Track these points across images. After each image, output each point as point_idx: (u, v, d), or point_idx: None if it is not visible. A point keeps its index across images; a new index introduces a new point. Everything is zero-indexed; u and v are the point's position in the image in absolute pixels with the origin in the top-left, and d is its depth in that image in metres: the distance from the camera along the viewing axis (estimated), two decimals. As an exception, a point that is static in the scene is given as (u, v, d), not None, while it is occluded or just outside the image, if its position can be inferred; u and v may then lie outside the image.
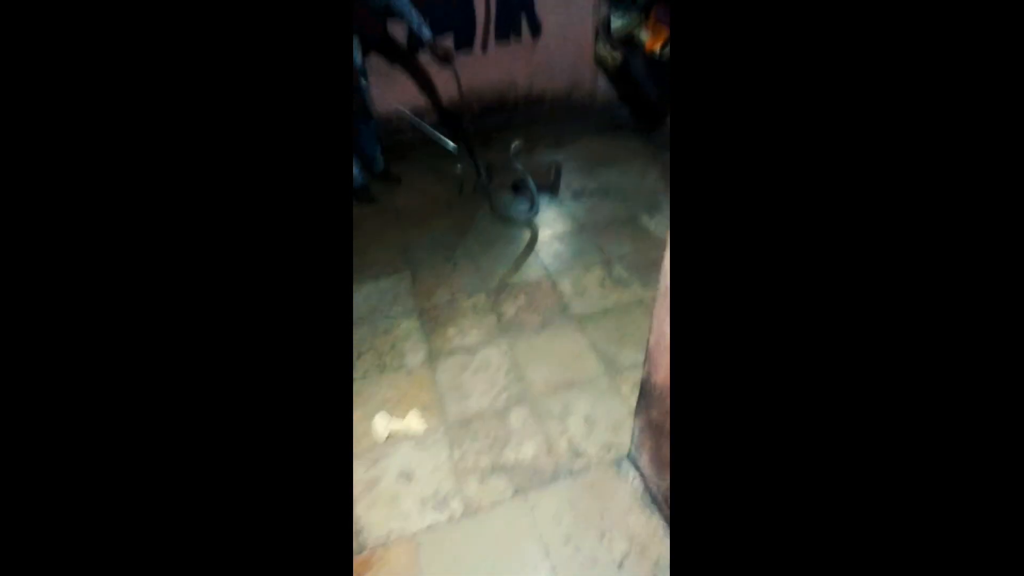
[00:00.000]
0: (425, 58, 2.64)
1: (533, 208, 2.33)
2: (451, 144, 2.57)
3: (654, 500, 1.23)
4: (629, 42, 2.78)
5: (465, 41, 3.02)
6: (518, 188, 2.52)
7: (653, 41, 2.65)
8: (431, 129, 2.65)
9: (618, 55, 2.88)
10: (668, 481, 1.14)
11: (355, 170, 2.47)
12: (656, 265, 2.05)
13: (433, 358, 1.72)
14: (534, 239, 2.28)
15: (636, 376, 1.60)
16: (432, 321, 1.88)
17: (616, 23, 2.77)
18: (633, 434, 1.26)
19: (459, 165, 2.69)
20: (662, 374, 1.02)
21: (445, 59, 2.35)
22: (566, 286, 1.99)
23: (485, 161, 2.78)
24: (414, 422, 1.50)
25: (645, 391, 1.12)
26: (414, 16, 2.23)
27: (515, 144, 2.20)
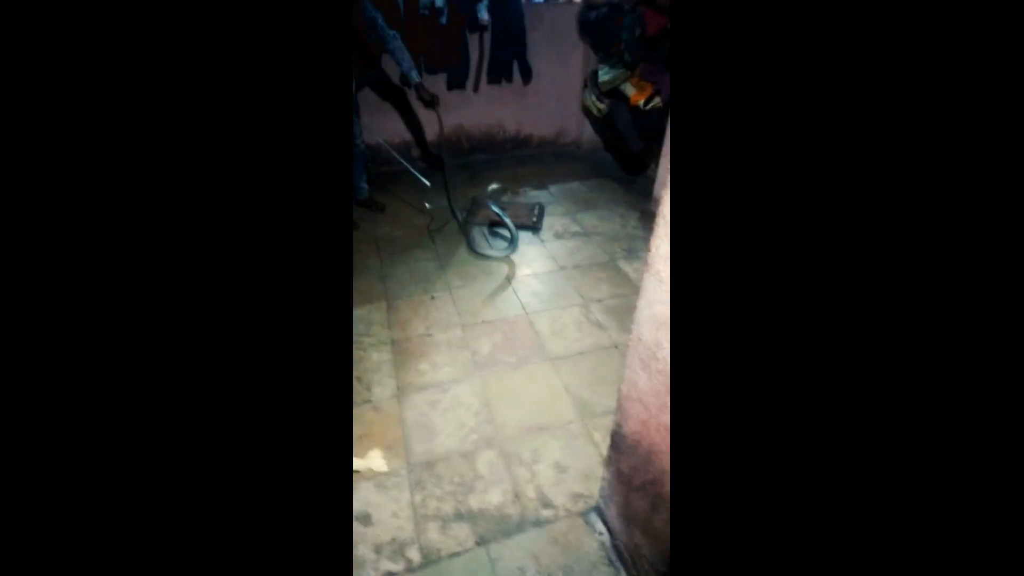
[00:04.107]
0: (413, 98, 2.72)
1: (511, 246, 2.35)
2: (426, 181, 2.65)
3: (620, 556, 1.19)
4: (614, 94, 2.92)
5: (458, 82, 3.12)
6: (494, 226, 2.57)
7: (638, 95, 2.78)
8: (408, 164, 2.72)
9: (604, 106, 3.00)
10: (635, 537, 1.10)
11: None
12: (633, 310, 2.08)
13: (402, 393, 1.67)
14: (513, 277, 2.29)
15: (609, 423, 1.57)
16: (404, 354, 1.83)
17: (603, 76, 2.91)
18: (603, 486, 1.22)
19: (427, 204, 2.76)
20: (633, 425, 1.01)
21: (430, 103, 2.44)
22: (543, 325, 1.99)
23: (469, 198, 2.83)
24: (376, 461, 1.43)
25: (615, 442, 1.09)
26: (405, 58, 2.32)
27: (492, 187, 2.25)
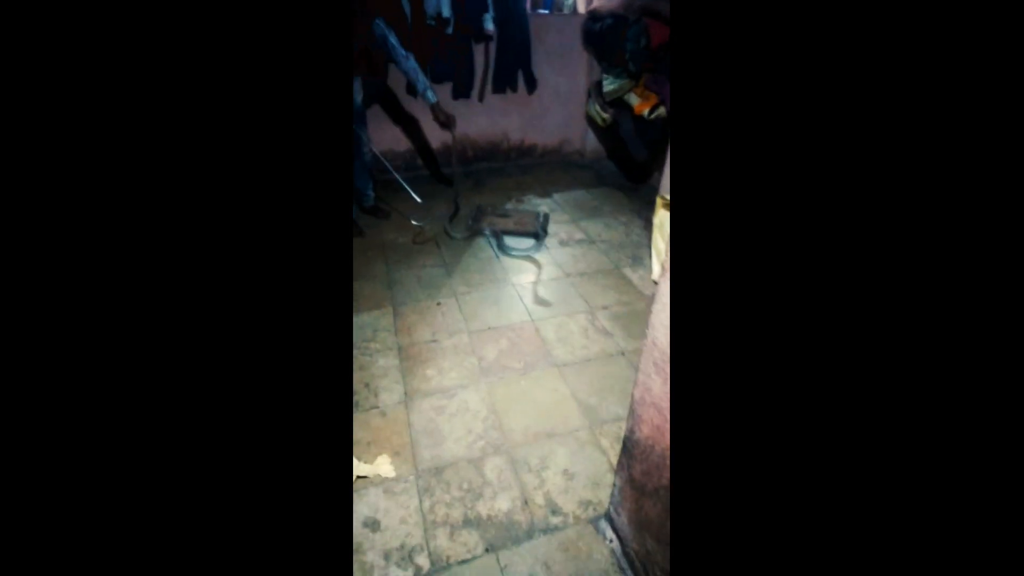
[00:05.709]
0: (427, 117, 2.72)
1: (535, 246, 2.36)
2: (418, 198, 2.67)
3: (631, 564, 1.17)
4: (619, 104, 2.94)
5: (463, 91, 3.15)
6: (504, 233, 2.58)
7: (642, 105, 2.81)
8: (402, 180, 2.74)
9: (608, 115, 3.03)
10: (647, 544, 1.09)
11: (345, 203, 2.47)
12: (638, 317, 2.09)
13: (409, 399, 1.66)
14: (519, 283, 2.29)
15: (617, 430, 1.57)
16: (411, 360, 1.83)
17: (608, 86, 2.94)
18: (613, 492, 1.21)
19: (414, 221, 2.74)
20: (646, 430, 1.00)
21: (445, 124, 2.42)
22: (549, 332, 1.98)
23: (475, 206, 2.85)
24: (384, 467, 1.42)
25: (628, 447, 1.09)
26: (421, 79, 2.30)
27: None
